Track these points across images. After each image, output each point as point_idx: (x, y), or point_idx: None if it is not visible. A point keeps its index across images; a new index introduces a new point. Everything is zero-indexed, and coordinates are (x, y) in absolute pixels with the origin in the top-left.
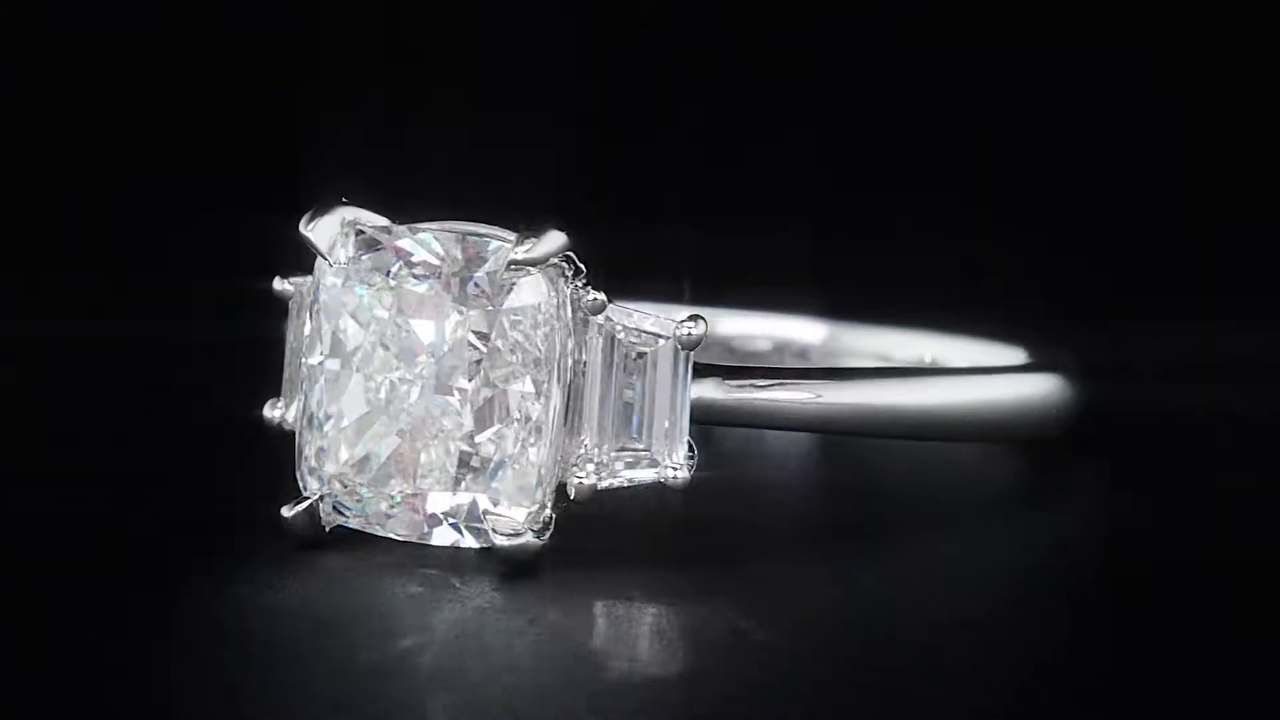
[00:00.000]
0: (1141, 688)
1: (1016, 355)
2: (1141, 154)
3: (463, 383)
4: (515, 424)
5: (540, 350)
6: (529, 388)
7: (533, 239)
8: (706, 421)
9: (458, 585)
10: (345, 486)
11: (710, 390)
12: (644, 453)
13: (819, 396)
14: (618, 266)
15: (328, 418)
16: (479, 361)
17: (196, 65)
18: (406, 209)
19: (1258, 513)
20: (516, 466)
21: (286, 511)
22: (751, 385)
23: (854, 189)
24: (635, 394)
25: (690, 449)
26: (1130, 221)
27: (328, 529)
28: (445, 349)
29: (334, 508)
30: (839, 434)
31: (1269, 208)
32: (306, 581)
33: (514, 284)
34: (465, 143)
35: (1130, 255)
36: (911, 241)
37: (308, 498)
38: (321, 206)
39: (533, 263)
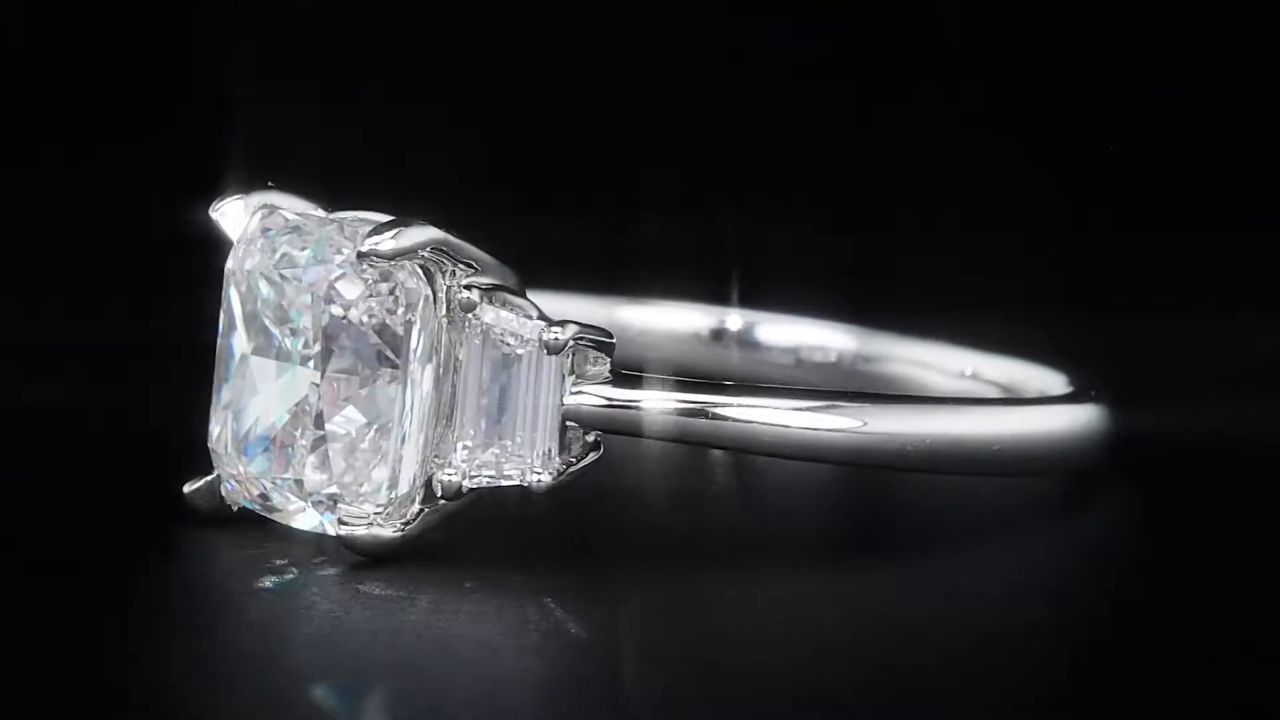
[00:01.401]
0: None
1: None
2: (1181, 152)
3: (321, 370)
4: (375, 417)
5: (403, 342)
6: (389, 380)
7: (390, 233)
8: (599, 429)
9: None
10: (237, 468)
11: (585, 398)
12: (512, 455)
13: (726, 410)
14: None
15: (225, 399)
16: (341, 351)
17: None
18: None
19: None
20: (372, 458)
21: (186, 488)
22: (627, 397)
23: (876, 189)
24: (508, 396)
25: (591, 449)
26: (1166, 222)
27: (234, 508)
28: (316, 336)
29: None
30: (748, 453)
31: None
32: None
33: (375, 276)
34: (476, 132)
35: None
36: (931, 243)
37: (209, 476)
38: (236, 190)
39: (382, 256)
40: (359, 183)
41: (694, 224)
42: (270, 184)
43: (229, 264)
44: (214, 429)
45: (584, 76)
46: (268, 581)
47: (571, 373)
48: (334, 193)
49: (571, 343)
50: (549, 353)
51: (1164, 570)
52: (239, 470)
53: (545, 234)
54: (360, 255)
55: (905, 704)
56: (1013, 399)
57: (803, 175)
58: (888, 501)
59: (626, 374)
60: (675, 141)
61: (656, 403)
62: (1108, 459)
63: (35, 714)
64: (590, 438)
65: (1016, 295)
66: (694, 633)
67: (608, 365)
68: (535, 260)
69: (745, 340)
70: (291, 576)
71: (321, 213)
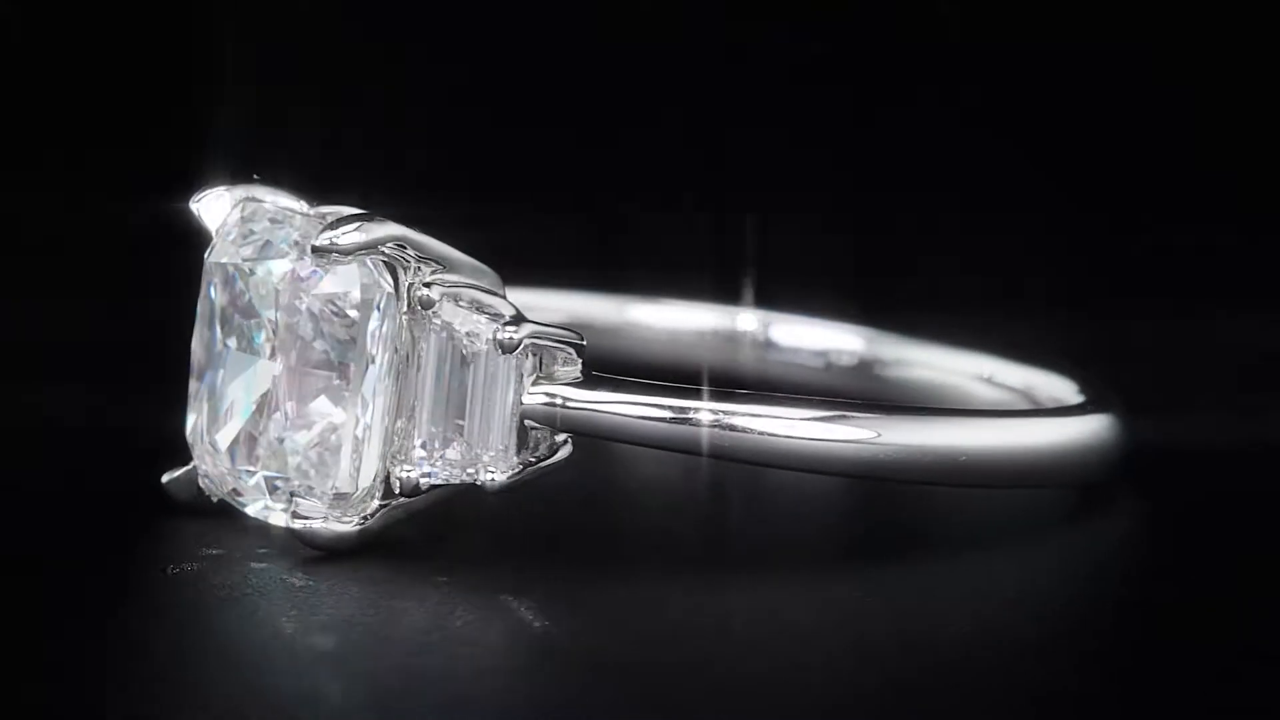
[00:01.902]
0: None
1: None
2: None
3: (284, 364)
4: (335, 412)
5: (364, 338)
6: (350, 375)
7: (345, 228)
8: (558, 429)
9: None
10: (209, 460)
11: (543, 398)
12: (469, 452)
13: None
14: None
15: (200, 391)
16: (303, 345)
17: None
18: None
19: None
20: (331, 453)
21: (165, 478)
22: (585, 398)
23: (877, 189)
24: (466, 394)
25: (558, 449)
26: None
27: (214, 499)
28: (280, 329)
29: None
30: (716, 459)
31: None
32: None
33: (328, 270)
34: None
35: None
36: (931, 243)
37: (187, 466)
38: (219, 182)
39: (334, 251)
40: (364, 181)
41: (700, 224)
42: (256, 177)
43: (207, 256)
44: (189, 421)
45: (586, 77)
46: (176, 569)
47: (534, 372)
48: (340, 192)
49: (527, 342)
50: (502, 352)
51: (1170, 578)
52: (211, 463)
53: (559, 232)
54: (314, 249)
55: (907, 711)
56: (1027, 410)
57: (804, 175)
58: (887, 508)
59: (598, 376)
60: (678, 141)
61: (617, 406)
62: (1120, 469)
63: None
64: (560, 438)
65: (1016, 295)
66: (692, 638)
67: (578, 366)
68: (547, 260)
69: (758, 340)
70: (185, 568)
71: (304, 207)
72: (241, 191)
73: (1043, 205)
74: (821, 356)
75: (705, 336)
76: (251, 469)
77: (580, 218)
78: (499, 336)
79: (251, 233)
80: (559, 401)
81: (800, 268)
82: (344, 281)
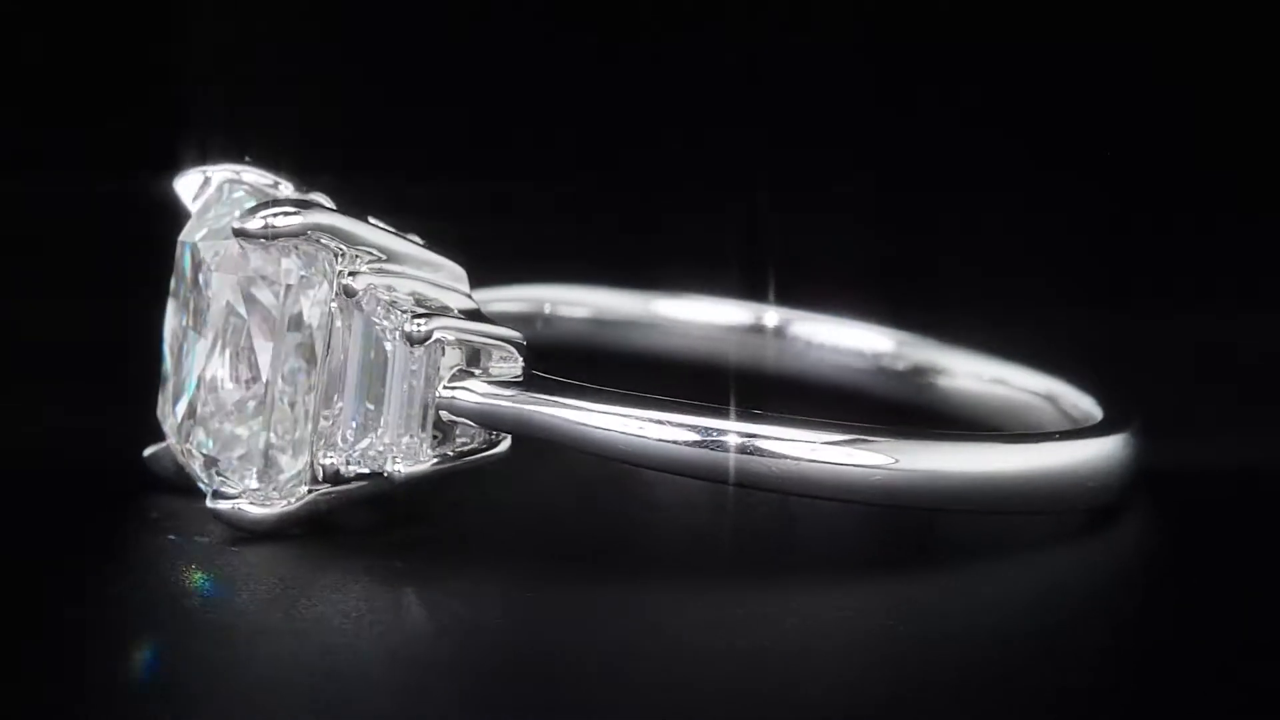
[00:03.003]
0: None
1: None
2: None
3: (219, 344)
4: (263, 395)
5: (295, 323)
6: (281, 359)
7: (269, 211)
8: (478, 423)
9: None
10: (172, 435)
11: (461, 392)
12: (385, 442)
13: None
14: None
15: (166, 370)
16: (237, 326)
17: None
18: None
19: None
20: (252, 437)
21: (146, 452)
22: (500, 395)
23: (880, 190)
24: (385, 384)
25: (493, 445)
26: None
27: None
28: (220, 309)
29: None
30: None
31: None
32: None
33: (264, 252)
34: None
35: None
36: (932, 243)
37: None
38: (204, 164)
39: (250, 235)
40: (381, 170)
41: (711, 224)
42: (247, 159)
43: (180, 235)
44: (159, 398)
45: (609, 73)
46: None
47: (457, 366)
48: (351, 182)
49: (447, 336)
50: (410, 344)
51: (1173, 582)
52: (172, 440)
53: (579, 230)
54: (235, 232)
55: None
56: (1047, 434)
57: (807, 175)
58: (886, 512)
59: (536, 375)
60: (687, 140)
61: (536, 406)
62: (1140, 489)
63: None
64: (496, 434)
65: (1015, 294)
66: (701, 652)
67: (519, 364)
68: (575, 258)
69: (779, 337)
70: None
71: (289, 190)
72: (228, 172)
73: (1042, 205)
74: (839, 355)
75: (728, 331)
76: (190, 446)
77: (607, 215)
78: (406, 329)
79: (219, 212)
80: (468, 398)
81: (813, 265)
82: (277, 264)
